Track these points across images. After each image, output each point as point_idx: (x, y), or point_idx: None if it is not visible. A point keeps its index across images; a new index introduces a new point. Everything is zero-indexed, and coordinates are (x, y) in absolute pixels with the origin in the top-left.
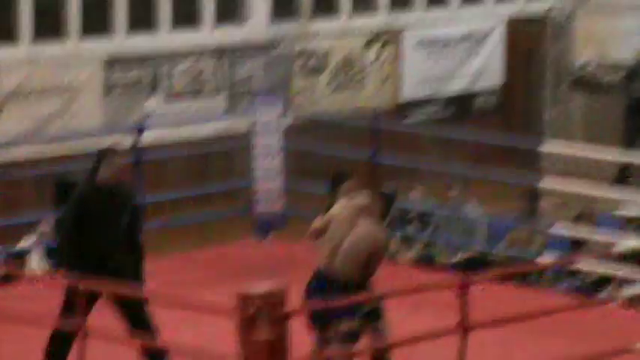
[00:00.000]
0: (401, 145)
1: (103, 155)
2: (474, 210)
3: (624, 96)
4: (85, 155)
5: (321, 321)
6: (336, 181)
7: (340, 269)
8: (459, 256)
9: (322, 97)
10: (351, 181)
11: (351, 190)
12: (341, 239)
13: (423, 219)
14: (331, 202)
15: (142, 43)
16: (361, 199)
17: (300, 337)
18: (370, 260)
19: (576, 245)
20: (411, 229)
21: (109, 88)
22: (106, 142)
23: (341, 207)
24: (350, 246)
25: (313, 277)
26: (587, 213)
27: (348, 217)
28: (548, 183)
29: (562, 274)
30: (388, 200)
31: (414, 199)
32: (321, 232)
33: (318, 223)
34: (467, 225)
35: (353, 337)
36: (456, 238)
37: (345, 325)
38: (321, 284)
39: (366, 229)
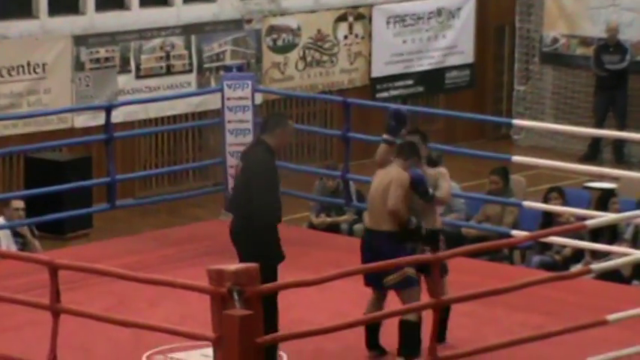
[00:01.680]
0: (373, 122)
1: (275, 120)
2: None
3: (594, 70)
4: (55, 132)
5: (378, 276)
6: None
7: (376, 222)
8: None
9: (294, 74)
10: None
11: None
12: (372, 195)
13: None
14: None
15: (111, 20)
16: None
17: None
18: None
19: (548, 220)
20: None
21: (78, 66)
22: (79, 119)
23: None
24: (375, 197)
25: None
26: (558, 187)
27: (376, 176)
28: (520, 158)
29: (534, 248)
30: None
31: None
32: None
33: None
34: None
35: (415, 282)
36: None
37: (407, 271)
38: (366, 242)
39: (383, 175)
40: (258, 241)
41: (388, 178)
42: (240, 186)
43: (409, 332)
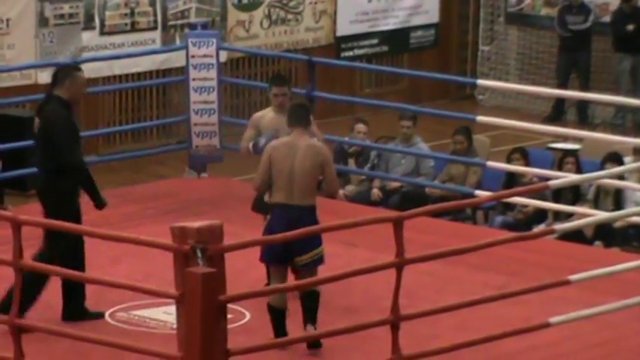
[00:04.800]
0: (337, 81)
1: (63, 73)
2: (422, 143)
3: (558, 31)
4: (18, 88)
5: (291, 254)
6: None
7: (301, 197)
8: (395, 192)
9: (258, 32)
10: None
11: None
12: (291, 169)
13: (363, 155)
14: None
15: None
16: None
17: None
18: (322, 175)
19: (511, 180)
20: (350, 165)
21: (42, 21)
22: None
23: (274, 145)
24: (301, 171)
25: (275, 215)
26: (521, 148)
27: (288, 147)
28: (484, 118)
29: (497, 209)
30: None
31: (357, 134)
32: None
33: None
34: (414, 158)
35: (321, 262)
36: (401, 171)
37: (321, 251)
38: (285, 218)
39: (306, 148)
40: (64, 198)
41: (313, 155)
42: (42, 143)
43: (317, 301)
